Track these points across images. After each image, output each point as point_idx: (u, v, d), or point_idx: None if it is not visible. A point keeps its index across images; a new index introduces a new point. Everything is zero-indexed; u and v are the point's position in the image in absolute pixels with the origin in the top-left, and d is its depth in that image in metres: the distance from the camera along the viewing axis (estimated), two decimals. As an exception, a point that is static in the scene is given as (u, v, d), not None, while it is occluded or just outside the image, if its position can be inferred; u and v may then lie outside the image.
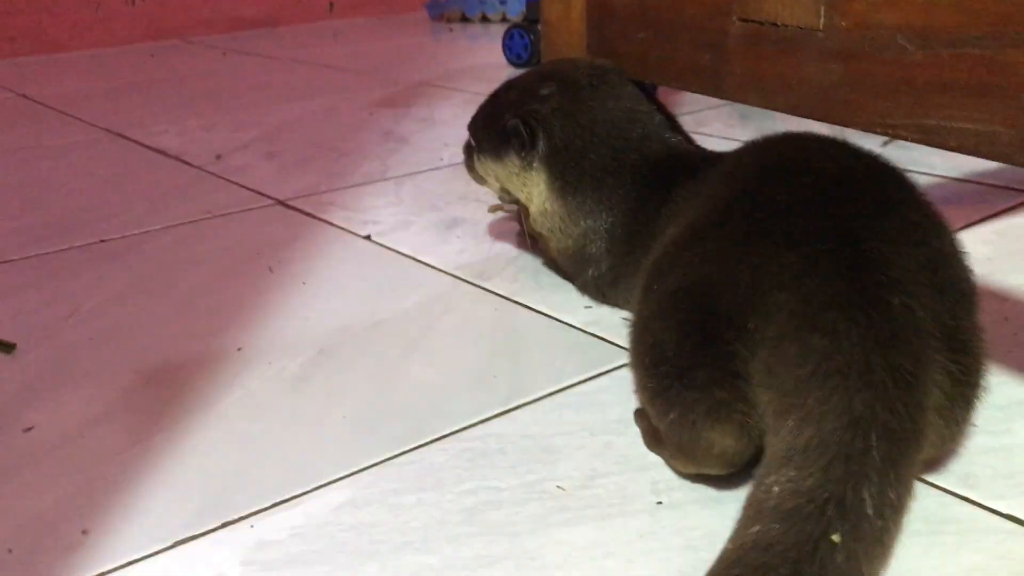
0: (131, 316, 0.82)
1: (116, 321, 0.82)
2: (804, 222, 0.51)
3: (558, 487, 0.56)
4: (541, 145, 0.75)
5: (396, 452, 0.60)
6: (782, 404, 0.47)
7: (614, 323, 0.77)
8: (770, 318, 0.49)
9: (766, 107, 0.65)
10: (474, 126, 0.86)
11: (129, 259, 0.96)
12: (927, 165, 1.16)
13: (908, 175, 0.55)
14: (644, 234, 0.72)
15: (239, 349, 0.75)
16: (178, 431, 0.64)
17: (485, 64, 2.04)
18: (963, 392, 0.51)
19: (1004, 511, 0.52)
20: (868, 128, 0.58)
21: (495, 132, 0.81)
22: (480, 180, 0.87)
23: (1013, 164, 0.51)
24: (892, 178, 0.54)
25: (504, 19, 2.71)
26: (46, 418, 0.66)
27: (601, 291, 0.80)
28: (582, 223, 0.77)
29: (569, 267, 0.82)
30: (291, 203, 1.13)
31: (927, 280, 0.50)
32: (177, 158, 1.36)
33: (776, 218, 0.52)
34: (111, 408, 0.67)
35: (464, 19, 2.78)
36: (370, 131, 1.49)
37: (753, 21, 0.64)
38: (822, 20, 0.59)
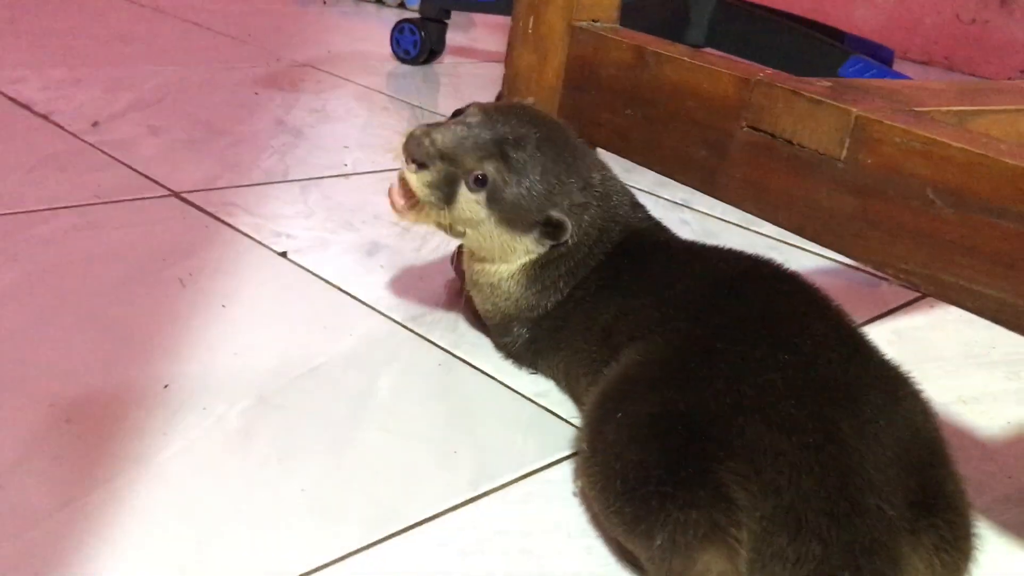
0: (29, 324, 0.73)
1: (10, 328, 0.72)
2: (785, 392, 0.54)
3: (547, 599, 0.54)
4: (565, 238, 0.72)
5: (364, 544, 0.56)
6: None
7: (560, 397, 0.75)
8: (765, 493, 0.51)
9: (766, 219, 0.66)
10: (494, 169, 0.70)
11: (14, 247, 0.86)
12: (818, 248, 1.21)
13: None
14: (579, 314, 0.73)
15: (166, 386, 0.68)
16: (116, 489, 0.57)
17: (370, 53, 1.97)
18: (955, 548, 0.53)
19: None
20: (879, 267, 0.59)
21: (524, 208, 0.71)
22: (437, 215, 0.72)
23: (1029, 338, 0.54)
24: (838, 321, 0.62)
25: (381, 1, 2.63)
26: (-51, 458, 0.57)
27: (518, 356, 0.78)
28: (537, 296, 0.75)
29: (495, 326, 0.79)
30: (188, 197, 1.04)
31: (896, 455, 0.54)
32: (46, 117, 1.23)
33: (757, 377, 0.55)
34: (29, 453, 0.59)
35: (337, -8, 2.67)
36: (260, 116, 1.40)
37: (765, 132, 0.64)
38: (844, 151, 0.60)
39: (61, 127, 1.20)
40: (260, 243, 0.95)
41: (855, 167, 0.59)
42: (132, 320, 0.76)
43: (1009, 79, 2.90)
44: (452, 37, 1.99)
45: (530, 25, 0.82)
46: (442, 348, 0.80)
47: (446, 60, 2.00)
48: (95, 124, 1.22)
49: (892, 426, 0.55)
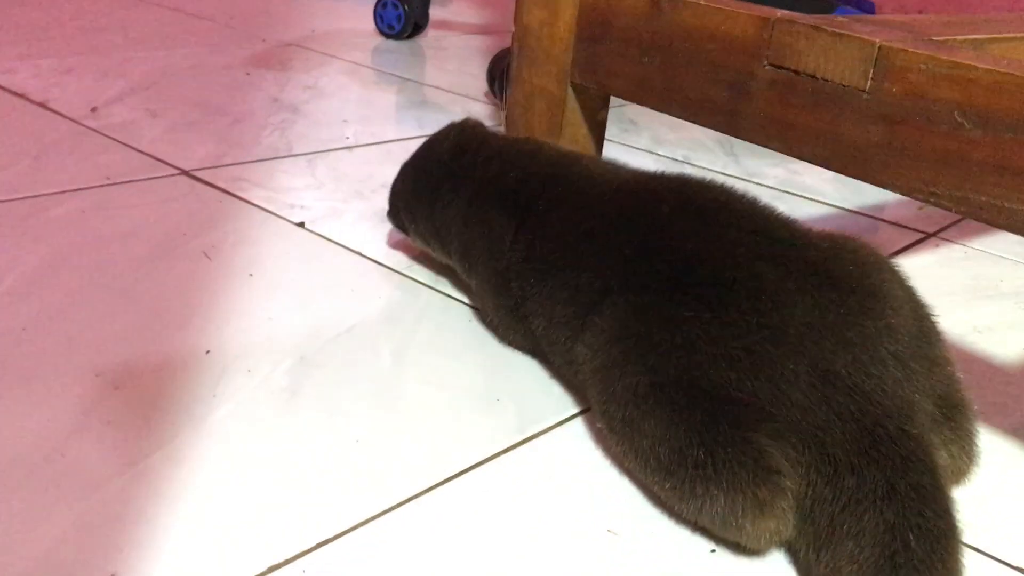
0: (64, 303, 0.74)
1: (46, 308, 0.73)
2: (795, 328, 0.53)
3: (609, 531, 0.55)
4: None
5: (417, 491, 0.57)
6: (818, 535, 0.51)
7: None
8: (802, 447, 0.51)
9: (790, 154, 0.67)
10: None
11: (35, 230, 0.86)
12: (819, 192, 1.23)
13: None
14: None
15: (208, 352, 0.69)
16: (174, 450, 0.58)
17: (353, 30, 1.96)
18: (966, 453, 0.56)
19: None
20: (907, 193, 0.61)
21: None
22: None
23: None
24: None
25: (356, -21, 2.62)
26: (2, 437, 0.58)
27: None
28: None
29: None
30: (198, 175, 1.04)
31: (905, 370, 0.54)
32: (44, 105, 1.22)
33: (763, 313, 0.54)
34: (84, 421, 0.60)
35: (312, -27, 2.65)
36: (254, 95, 1.40)
37: (787, 69, 0.66)
38: (869, 82, 0.61)
39: (61, 114, 1.19)
40: (276, 215, 0.95)
41: (880, 96, 0.61)
42: (163, 292, 0.77)
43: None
44: (433, 12, 1.99)
45: (538, -21, 0.83)
46: (469, 305, 0.81)
47: (429, 34, 2.00)
48: (94, 109, 1.22)
49: (895, 341, 0.54)
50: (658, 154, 1.33)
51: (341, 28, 1.99)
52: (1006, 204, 0.56)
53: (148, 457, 0.57)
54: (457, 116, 1.41)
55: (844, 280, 0.56)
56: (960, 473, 0.57)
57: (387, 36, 1.92)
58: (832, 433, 0.51)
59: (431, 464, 0.59)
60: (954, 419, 0.56)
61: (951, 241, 1.11)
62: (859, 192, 1.25)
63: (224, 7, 2.05)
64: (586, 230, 0.65)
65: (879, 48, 0.60)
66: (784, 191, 1.23)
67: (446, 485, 0.58)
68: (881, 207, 1.20)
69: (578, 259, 0.64)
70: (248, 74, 1.51)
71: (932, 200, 0.59)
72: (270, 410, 0.63)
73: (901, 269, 0.60)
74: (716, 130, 0.71)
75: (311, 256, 0.87)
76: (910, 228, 1.13)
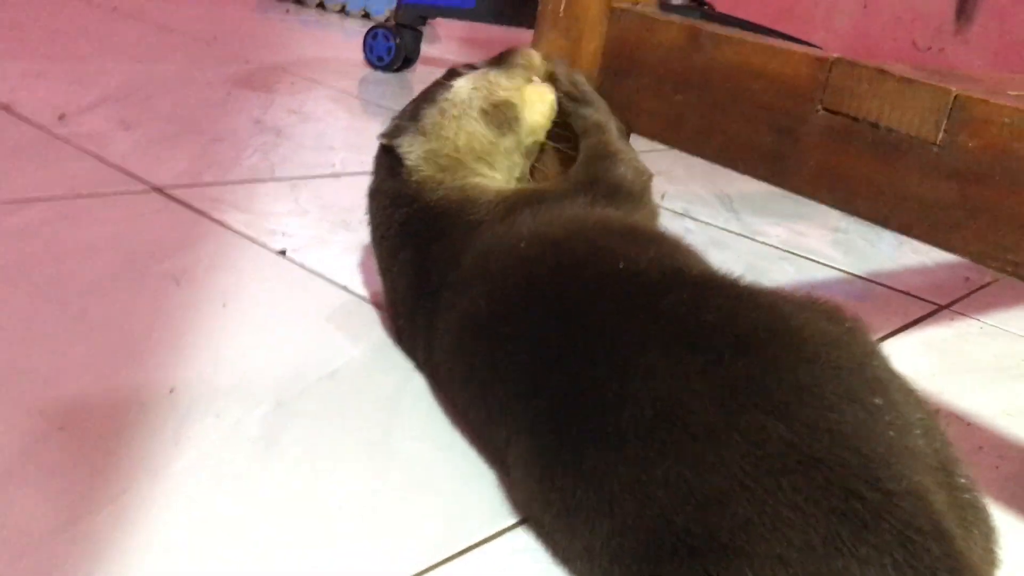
0: (10, 323, 0.65)
1: (-12, 327, 0.64)
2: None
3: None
4: None
5: (422, 568, 0.49)
6: None
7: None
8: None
9: (843, 209, 0.60)
10: None
11: (-16, 239, 0.77)
12: (824, 255, 1.17)
13: None
14: None
15: (171, 390, 0.60)
16: (125, 507, 0.49)
17: (341, 59, 1.90)
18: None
19: None
20: (981, 260, 0.54)
21: None
22: None
23: None
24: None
25: (343, 10, 2.56)
26: (-73, 469, 0.49)
27: None
28: None
29: None
30: (171, 192, 0.96)
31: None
32: (8, 108, 1.13)
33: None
34: (20, 466, 0.51)
35: (298, 1, 2.59)
36: (236, 114, 1.32)
37: (844, 115, 0.59)
38: (941, 134, 0.55)
39: (26, 119, 1.10)
40: (255, 241, 0.87)
41: (954, 151, 0.54)
42: (125, 319, 0.68)
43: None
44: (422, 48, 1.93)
45: (561, 8, 0.76)
46: (468, 353, 0.73)
47: (418, 69, 1.94)
48: (62, 117, 1.13)
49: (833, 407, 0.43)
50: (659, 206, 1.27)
51: (328, 56, 1.92)
52: (1100, 279, 0.49)
53: (94, 514, 0.48)
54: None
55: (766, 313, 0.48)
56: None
57: (375, 67, 1.86)
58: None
59: (426, 543, 0.51)
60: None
61: (965, 315, 1.05)
62: (865, 257, 1.19)
63: (209, 26, 1.98)
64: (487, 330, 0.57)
65: (955, 97, 0.54)
66: (787, 251, 1.17)
67: (451, 563, 0.49)
68: (891, 274, 1.15)
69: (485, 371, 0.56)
70: (229, 93, 1.43)
71: (1010, 270, 0.53)
72: (240, 463, 0.54)
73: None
74: (757, 178, 0.65)
75: (293, 288, 0.79)
76: (922, 299, 1.08)
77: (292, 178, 1.08)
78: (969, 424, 0.78)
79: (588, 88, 0.71)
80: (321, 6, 2.58)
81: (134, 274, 0.75)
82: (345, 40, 2.15)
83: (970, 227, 0.54)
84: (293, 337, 0.70)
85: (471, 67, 0.74)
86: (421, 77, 1.90)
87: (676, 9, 1.72)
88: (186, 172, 1.02)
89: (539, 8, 0.79)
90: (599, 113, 0.70)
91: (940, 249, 0.56)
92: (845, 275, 1.12)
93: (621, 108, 0.73)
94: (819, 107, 0.60)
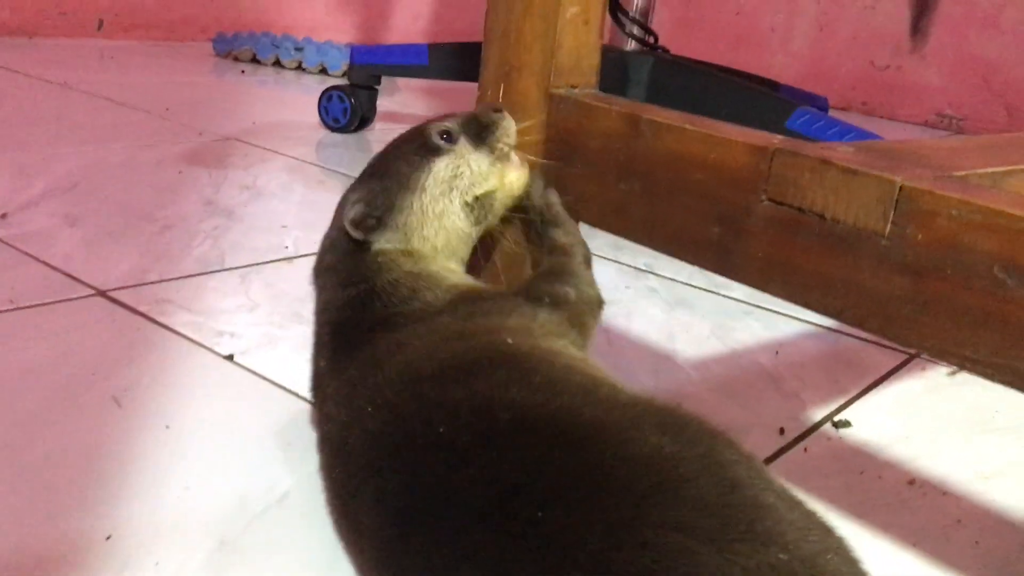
0: (-64, 470, 0.62)
1: (-86, 478, 0.60)
2: None
3: None
4: None
5: None
6: None
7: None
8: None
9: (797, 303, 0.58)
10: None
11: (-87, 371, 0.74)
12: (794, 309, 1.15)
13: None
14: None
15: (108, 537, 0.57)
16: None
17: (297, 123, 1.88)
18: None
19: None
20: (939, 356, 0.52)
21: None
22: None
23: None
24: None
25: (300, 67, 2.55)
26: None
27: None
28: None
29: None
30: (116, 296, 0.93)
31: None
32: (-53, 211, 1.10)
33: None
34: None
35: (255, 60, 2.58)
36: (187, 197, 1.29)
37: (790, 206, 0.57)
38: (889, 226, 0.53)
39: (-36, 222, 1.07)
40: (202, 345, 0.84)
41: (903, 243, 0.53)
42: (61, 454, 0.65)
43: (926, 122, 2.95)
44: (379, 103, 1.91)
45: (500, 94, 0.75)
46: (424, 460, 0.70)
47: (376, 127, 1.93)
48: (3, 216, 1.10)
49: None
50: (620, 262, 1.25)
51: (284, 120, 1.90)
52: (1060, 377, 0.47)
53: None
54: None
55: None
56: None
57: (332, 129, 1.84)
58: None
59: None
60: None
61: (935, 362, 1.03)
62: (834, 305, 1.18)
63: (163, 96, 1.95)
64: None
65: (900, 188, 0.52)
66: (754, 305, 1.15)
67: None
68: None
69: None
70: (181, 172, 1.41)
71: (967, 366, 0.51)
72: (180, 620, 0.51)
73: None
74: (705, 268, 0.63)
75: (239, 398, 0.76)
76: (893, 348, 1.06)
77: (243, 266, 1.05)
78: (945, 493, 0.76)
79: (560, 210, 0.68)
80: (278, 64, 2.57)
81: (73, 397, 0.72)
82: (303, 98, 2.13)
83: (924, 322, 0.52)
84: (239, 458, 0.67)
85: (443, 129, 0.66)
86: (380, 136, 1.88)
87: (629, 56, 1.71)
88: (132, 271, 0.99)
89: (478, 95, 0.77)
90: (568, 236, 0.67)
91: (900, 345, 0.54)
92: (813, 327, 1.10)
93: (565, 195, 0.71)
94: (764, 198, 0.59)
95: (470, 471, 0.44)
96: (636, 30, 1.74)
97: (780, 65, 3.17)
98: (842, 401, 0.90)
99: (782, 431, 0.82)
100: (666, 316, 1.07)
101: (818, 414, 0.86)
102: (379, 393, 0.52)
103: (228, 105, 1.99)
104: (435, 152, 0.66)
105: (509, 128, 0.67)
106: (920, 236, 0.52)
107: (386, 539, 0.46)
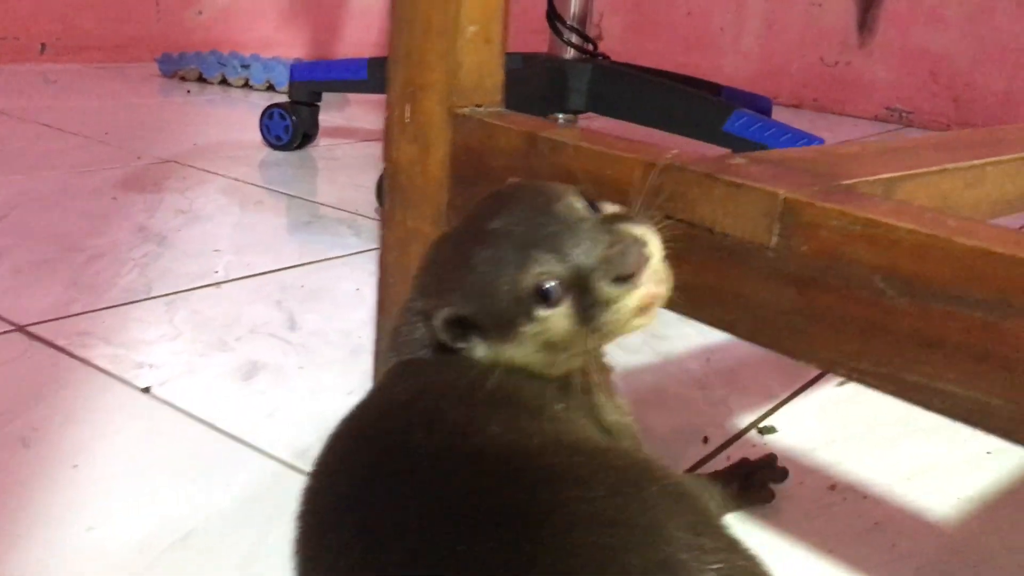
0: None
1: None
2: None
3: None
4: None
5: None
6: None
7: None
8: None
9: (694, 318, 0.58)
10: None
11: None
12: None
13: None
14: None
15: (1, 585, 0.56)
16: None
17: (241, 141, 1.86)
18: None
19: None
20: (828, 368, 0.52)
21: None
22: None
23: (1010, 441, 0.47)
24: None
25: (247, 85, 2.53)
26: None
27: None
28: None
29: None
30: (35, 331, 0.91)
31: None
32: None
33: None
34: None
35: (201, 79, 2.56)
36: (119, 224, 1.27)
37: (682, 221, 0.57)
38: (775, 238, 0.53)
39: None
40: (119, 378, 0.83)
41: (788, 255, 0.52)
42: (-40, 500, 0.64)
43: (876, 117, 2.98)
44: (327, 118, 1.90)
45: (407, 114, 0.74)
46: (338, 488, 0.70)
47: (321, 143, 1.91)
48: (-75, 252, 1.09)
49: None
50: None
51: (227, 139, 1.88)
52: (939, 385, 0.47)
53: None
54: (344, 238, 1.32)
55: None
56: None
57: (275, 147, 1.83)
58: None
59: None
60: None
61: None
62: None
63: (103, 121, 1.93)
64: None
65: (783, 200, 0.52)
66: (693, 310, 1.14)
67: None
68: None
69: None
70: (115, 199, 1.39)
71: (856, 377, 0.51)
72: (68, 671, 0.50)
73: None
74: (607, 286, 0.62)
75: (152, 433, 0.75)
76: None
77: (169, 294, 1.04)
78: (866, 496, 0.76)
79: None
80: (224, 82, 2.55)
81: (-21, 440, 0.71)
82: (249, 115, 2.11)
83: (813, 334, 0.52)
84: (145, 497, 0.66)
85: (543, 284, 0.50)
86: (323, 152, 1.87)
87: (568, 64, 1.71)
88: (55, 304, 0.98)
89: (387, 115, 0.76)
90: None
91: (790, 358, 0.54)
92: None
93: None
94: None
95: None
96: (575, 38, 1.74)
97: (731, 65, 3.19)
98: (769, 407, 0.90)
99: (706, 439, 0.82)
100: (599, 327, 1.07)
101: (744, 420, 0.86)
102: None
103: (171, 127, 1.97)
104: (545, 300, 0.51)
105: (646, 248, 0.50)
106: (805, 248, 0.52)
107: None
